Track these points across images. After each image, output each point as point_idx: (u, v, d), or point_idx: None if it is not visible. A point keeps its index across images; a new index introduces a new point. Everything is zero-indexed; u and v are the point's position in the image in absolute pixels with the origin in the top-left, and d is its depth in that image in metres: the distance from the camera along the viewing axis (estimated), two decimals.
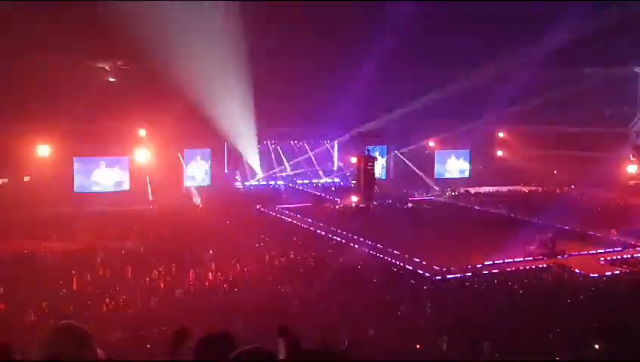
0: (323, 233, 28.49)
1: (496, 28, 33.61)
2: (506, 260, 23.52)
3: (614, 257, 24.79)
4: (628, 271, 22.60)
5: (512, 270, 22.43)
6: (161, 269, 20.06)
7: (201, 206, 35.00)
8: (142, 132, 36.48)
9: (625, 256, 24.96)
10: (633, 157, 42.95)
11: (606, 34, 31.05)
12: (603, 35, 30.93)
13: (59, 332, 3.16)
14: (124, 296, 17.32)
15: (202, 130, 36.54)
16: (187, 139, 38.15)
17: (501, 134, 45.93)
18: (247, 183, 41.64)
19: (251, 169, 42.04)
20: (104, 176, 36.51)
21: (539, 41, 32.31)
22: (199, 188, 37.97)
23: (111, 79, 36.56)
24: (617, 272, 22.45)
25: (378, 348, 13.25)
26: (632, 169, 41.15)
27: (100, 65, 36.03)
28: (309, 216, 32.21)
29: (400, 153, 43.97)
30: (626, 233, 27.84)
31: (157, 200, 34.64)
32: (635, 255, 25.14)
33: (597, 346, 12.82)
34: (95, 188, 36.05)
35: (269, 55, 33.26)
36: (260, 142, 41.17)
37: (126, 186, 36.79)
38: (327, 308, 16.61)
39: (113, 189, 36.32)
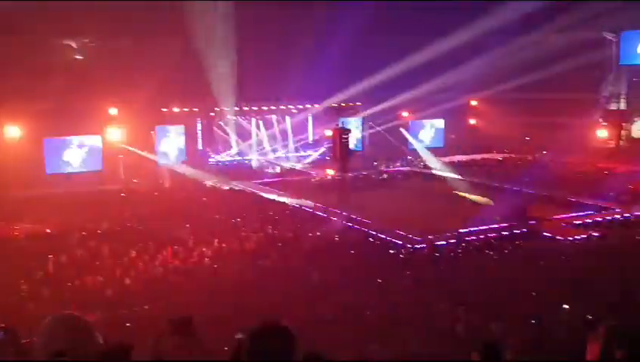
0: (299, 206, 28.64)
1: None
2: (481, 227, 23.89)
3: (586, 221, 25.32)
4: (600, 234, 23.07)
5: (487, 236, 22.81)
6: (138, 248, 19.99)
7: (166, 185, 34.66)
8: (113, 110, 35.90)
9: (597, 219, 25.52)
10: (603, 121, 43.71)
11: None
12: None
13: (60, 324, 3.03)
14: (103, 276, 17.23)
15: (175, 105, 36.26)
16: (159, 116, 37.88)
17: (474, 102, 46.15)
18: (221, 159, 41.50)
19: (226, 144, 42.03)
20: (76, 156, 35.97)
21: (507, 6, 32.51)
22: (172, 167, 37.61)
23: (77, 57, 35.82)
24: (589, 235, 22.92)
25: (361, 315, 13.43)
26: (602, 134, 41.86)
27: (67, 42, 35.24)
28: (284, 189, 32.36)
29: (375, 124, 43.95)
30: (598, 196, 28.45)
31: (130, 179, 34.27)
32: (606, 218, 25.72)
33: (566, 306, 13.16)
34: (67, 169, 35.55)
35: (241, 25, 32.85)
36: (234, 116, 41.14)
37: (98, 166, 36.32)
38: (307, 280, 16.74)
39: (85, 169, 35.85)
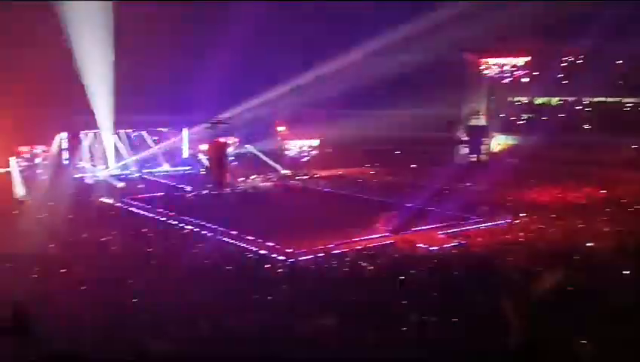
0: (175, 222, 27.75)
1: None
2: (355, 238, 24.38)
3: (452, 230, 26.65)
4: (463, 242, 24.41)
5: (360, 247, 23.31)
6: None
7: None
8: None
9: (460, 229, 26.95)
10: (466, 137, 46.69)
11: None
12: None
13: None
14: None
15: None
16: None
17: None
18: (92, 174, 39.64)
19: (99, 158, 40.57)
20: None
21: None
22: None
23: None
24: (454, 244, 24.18)
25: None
26: (464, 149, 44.69)
27: None
28: (159, 206, 31.20)
29: (251, 141, 44.14)
30: (458, 208, 30.11)
31: None
32: (469, 227, 27.27)
33: (428, 319, 13.75)
34: None
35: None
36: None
37: None
38: (178, 299, 16.18)
39: None
